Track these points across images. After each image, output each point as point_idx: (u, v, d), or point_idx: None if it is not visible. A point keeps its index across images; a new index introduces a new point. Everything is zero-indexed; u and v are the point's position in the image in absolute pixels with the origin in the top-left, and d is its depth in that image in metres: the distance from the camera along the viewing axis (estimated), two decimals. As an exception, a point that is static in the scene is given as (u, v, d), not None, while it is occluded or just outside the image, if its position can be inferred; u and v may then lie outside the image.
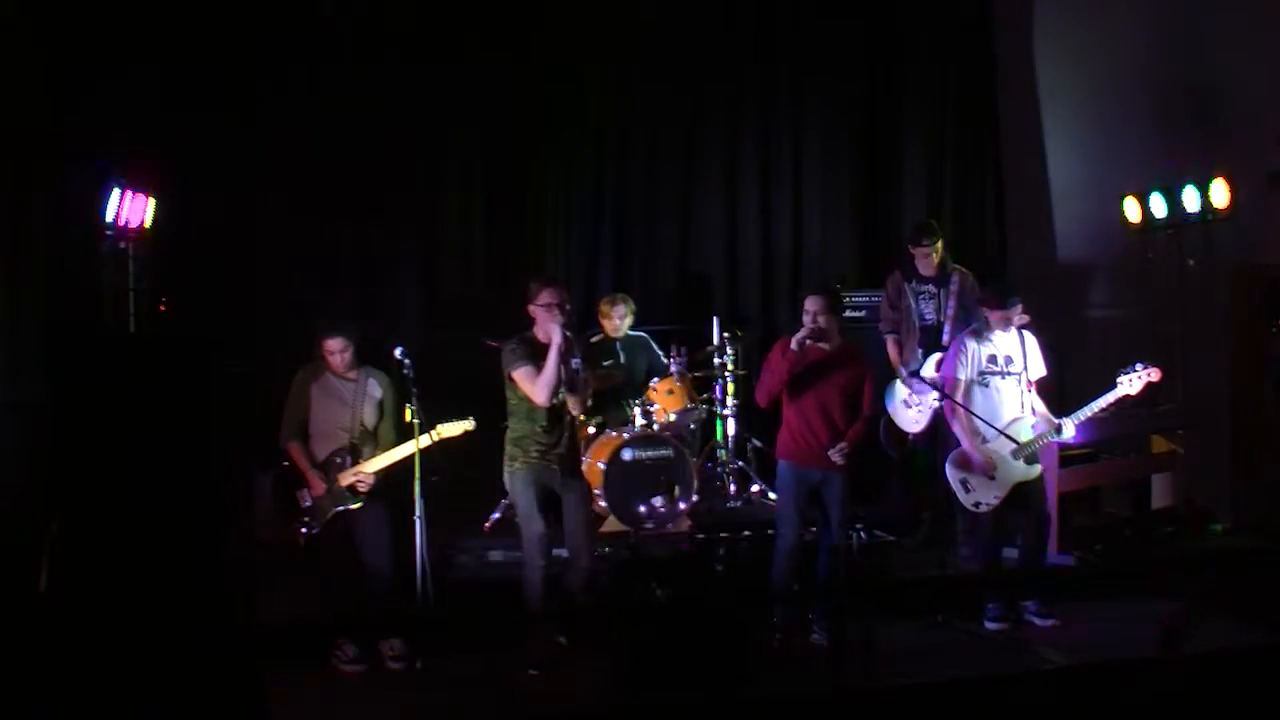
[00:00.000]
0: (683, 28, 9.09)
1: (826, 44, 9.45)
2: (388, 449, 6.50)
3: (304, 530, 6.40)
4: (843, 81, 9.54)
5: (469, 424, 6.56)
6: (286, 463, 6.48)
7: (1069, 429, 6.82)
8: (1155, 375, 6.78)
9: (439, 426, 6.48)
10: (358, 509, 6.43)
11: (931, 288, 7.91)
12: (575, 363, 6.27)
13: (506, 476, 6.38)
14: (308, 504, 6.43)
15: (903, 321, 7.99)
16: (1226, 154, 8.84)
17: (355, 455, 6.50)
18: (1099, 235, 9.67)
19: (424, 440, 6.37)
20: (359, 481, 6.42)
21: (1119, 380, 6.78)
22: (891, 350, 8.02)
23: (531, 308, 6.29)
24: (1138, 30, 9.50)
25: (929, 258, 7.87)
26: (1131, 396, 6.86)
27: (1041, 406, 6.94)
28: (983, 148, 9.73)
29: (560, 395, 6.28)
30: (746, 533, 7.62)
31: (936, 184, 9.67)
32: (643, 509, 7.65)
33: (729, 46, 9.25)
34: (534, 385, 6.18)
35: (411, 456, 6.36)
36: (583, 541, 6.38)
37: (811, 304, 6.52)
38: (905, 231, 8.45)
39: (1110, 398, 6.79)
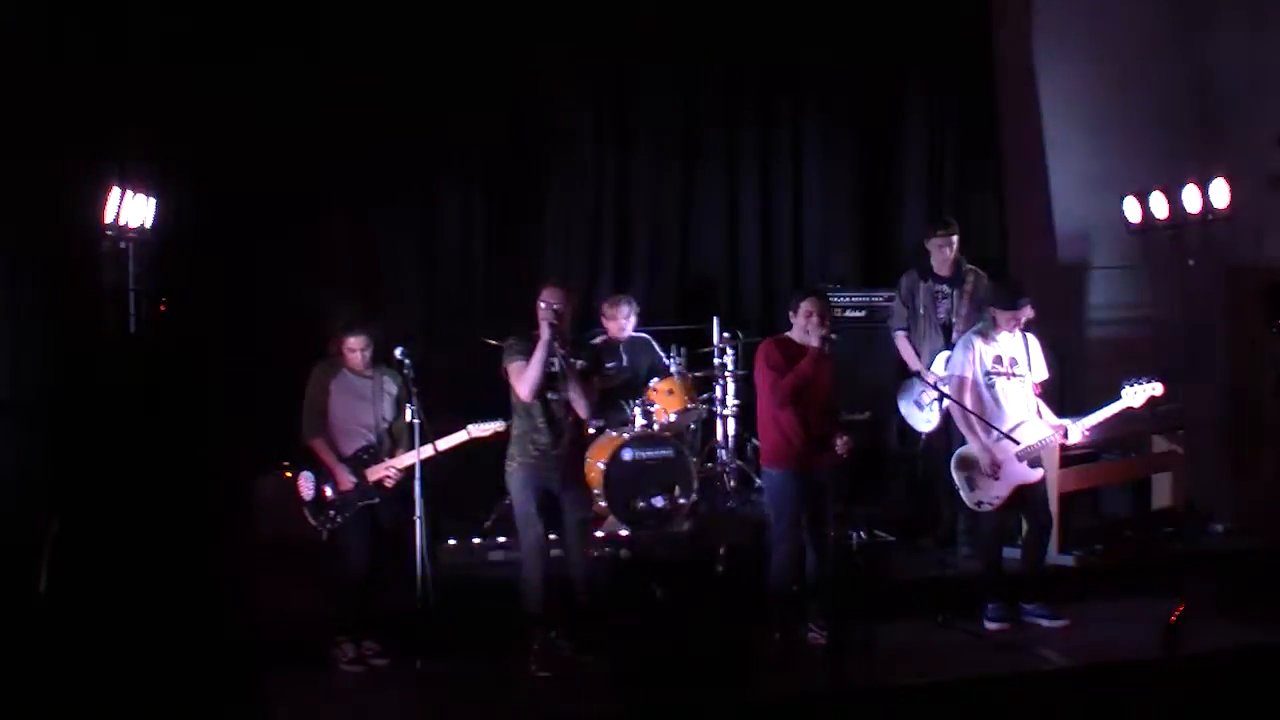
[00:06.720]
0: (682, 27, 9.08)
1: (826, 43, 9.43)
2: (402, 444, 6.54)
3: (329, 526, 6.41)
4: (842, 81, 9.53)
5: (499, 425, 6.54)
6: (287, 462, 6.46)
7: (1075, 433, 6.83)
8: (1159, 390, 6.80)
9: (469, 426, 6.50)
10: (376, 504, 6.45)
11: (946, 288, 7.88)
12: (558, 359, 6.25)
13: (506, 474, 6.40)
14: (331, 498, 6.42)
15: (916, 321, 7.98)
16: (1226, 154, 8.84)
17: (379, 451, 6.52)
18: (1099, 235, 9.68)
19: (459, 437, 6.43)
20: (387, 477, 6.45)
21: (1124, 392, 6.79)
22: (904, 348, 7.99)
23: (538, 305, 6.33)
24: (1137, 30, 9.50)
25: (944, 252, 7.84)
26: (1134, 410, 6.90)
27: (1045, 410, 6.94)
28: (983, 148, 9.71)
29: (563, 394, 6.29)
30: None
31: (936, 184, 9.66)
32: (643, 509, 7.65)
33: (729, 46, 9.24)
34: (519, 380, 6.23)
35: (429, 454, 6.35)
36: (576, 547, 6.41)
37: (813, 305, 6.46)
38: (920, 229, 8.43)
39: (1114, 408, 6.81)
